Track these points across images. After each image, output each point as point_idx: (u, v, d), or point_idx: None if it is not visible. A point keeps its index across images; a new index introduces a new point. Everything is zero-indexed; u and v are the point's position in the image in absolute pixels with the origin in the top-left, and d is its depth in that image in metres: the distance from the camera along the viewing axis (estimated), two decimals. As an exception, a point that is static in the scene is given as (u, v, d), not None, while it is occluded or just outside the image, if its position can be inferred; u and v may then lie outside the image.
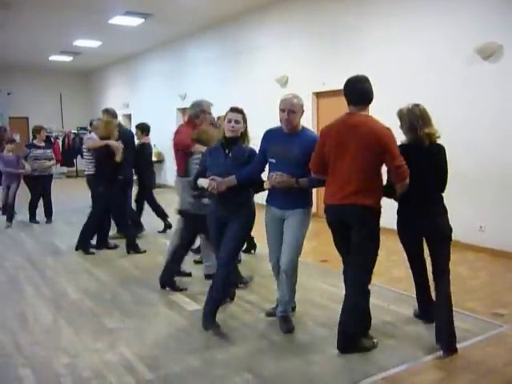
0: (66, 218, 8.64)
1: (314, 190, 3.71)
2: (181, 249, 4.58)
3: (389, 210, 3.43)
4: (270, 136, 3.63)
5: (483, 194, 5.90)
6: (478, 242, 5.96)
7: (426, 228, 3.42)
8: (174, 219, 5.45)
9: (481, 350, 3.33)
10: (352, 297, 3.28)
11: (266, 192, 3.67)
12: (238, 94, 9.71)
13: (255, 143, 3.68)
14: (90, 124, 7.69)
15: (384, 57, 6.99)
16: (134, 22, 10.30)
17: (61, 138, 16.05)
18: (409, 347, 3.37)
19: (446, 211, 3.43)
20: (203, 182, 3.60)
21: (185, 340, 3.51)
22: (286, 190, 3.44)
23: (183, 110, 12.44)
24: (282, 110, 3.47)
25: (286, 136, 3.52)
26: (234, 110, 3.61)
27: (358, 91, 3.26)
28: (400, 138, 3.42)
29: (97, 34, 11.67)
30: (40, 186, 8.04)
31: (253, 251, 5.83)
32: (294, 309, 3.93)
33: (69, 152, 15.88)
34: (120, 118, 9.05)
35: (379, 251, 3.27)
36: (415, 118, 3.34)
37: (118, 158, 5.85)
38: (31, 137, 8.27)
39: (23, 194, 8.27)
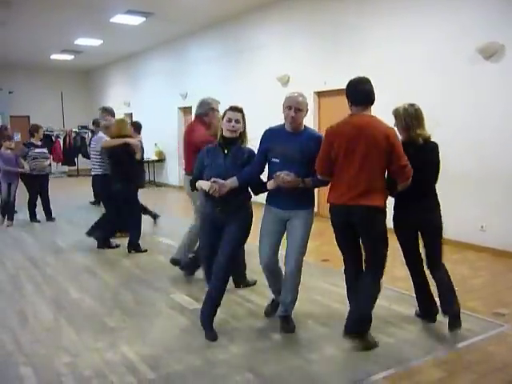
0: (67, 216, 8.64)
1: (316, 190, 3.70)
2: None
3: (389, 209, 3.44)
4: (271, 135, 3.54)
5: (486, 194, 5.89)
6: (480, 242, 5.95)
7: (422, 222, 3.55)
8: (178, 219, 5.43)
9: (482, 349, 3.34)
10: (370, 290, 3.35)
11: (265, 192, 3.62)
12: (239, 93, 9.71)
13: (254, 144, 3.60)
14: (93, 123, 7.69)
15: (385, 56, 6.98)
16: (136, 20, 10.30)
17: (62, 137, 16.06)
18: (410, 347, 3.37)
19: (439, 205, 3.58)
20: (204, 185, 3.45)
21: (186, 339, 3.51)
22: (290, 190, 3.37)
23: (184, 109, 12.45)
24: (287, 108, 3.40)
25: (290, 135, 3.46)
26: (233, 108, 3.49)
27: (362, 92, 3.30)
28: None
29: (98, 32, 11.67)
30: (38, 185, 8.06)
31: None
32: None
33: (70, 151, 15.90)
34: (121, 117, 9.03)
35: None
36: (410, 118, 3.47)
37: (139, 155, 5.92)
38: (29, 135, 8.25)
39: (21, 194, 8.26)
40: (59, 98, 17.23)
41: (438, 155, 3.51)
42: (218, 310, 3.60)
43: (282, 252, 3.57)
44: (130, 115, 15.07)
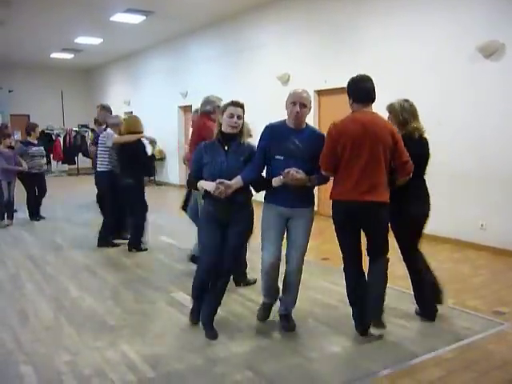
0: (67, 215, 8.65)
1: (316, 188, 3.69)
2: None
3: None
4: (273, 132, 3.44)
5: (487, 193, 5.88)
6: (480, 241, 5.95)
7: (417, 212, 3.66)
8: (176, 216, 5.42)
9: (482, 347, 3.34)
10: (383, 278, 3.46)
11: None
12: (239, 92, 9.64)
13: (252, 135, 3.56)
14: (95, 122, 7.66)
15: (384, 55, 6.97)
16: (136, 19, 10.30)
17: (62, 136, 16.05)
18: (410, 345, 3.37)
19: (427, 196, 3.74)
20: (207, 186, 3.33)
21: (186, 338, 3.51)
22: (295, 187, 3.33)
23: (184, 108, 12.45)
24: (292, 104, 3.34)
25: (292, 132, 3.40)
26: (235, 104, 3.38)
27: (364, 90, 3.35)
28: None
29: (98, 31, 11.67)
30: (36, 184, 8.07)
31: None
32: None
33: (70, 150, 15.90)
34: (122, 116, 9.02)
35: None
36: (406, 113, 3.60)
37: (151, 151, 6.00)
38: (26, 134, 8.27)
39: (18, 192, 8.24)
40: (59, 96, 17.22)
41: (429, 149, 3.67)
42: (219, 309, 3.60)
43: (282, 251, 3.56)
44: (131, 114, 15.05)
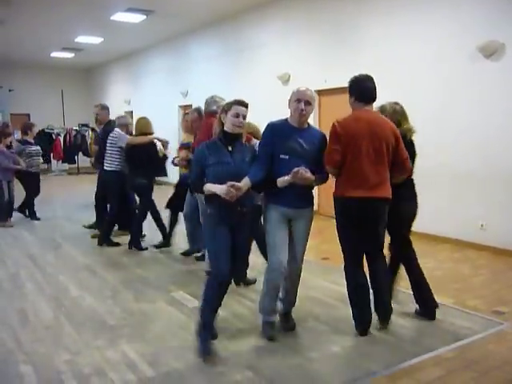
0: (67, 214, 8.65)
1: (315, 189, 3.68)
2: None
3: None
4: (276, 130, 3.36)
5: (490, 193, 5.87)
6: (480, 241, 5.95)
7: (409, 212, 3.76)
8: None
9: (482, 347, 3.34)
10: (387, 276, 3.64)
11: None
12: (240, 92, 9.64)
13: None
14: (96, 121, 7.63)
15: (385, 54, 6.96)
16: (136, 18, 10.29)
17: (62, 135, 16.05)
18: (410, 345, 3.37)
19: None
20: (217, 189, 3.10)
21: (186, 337, 3.51)
22: (300, 187, 3.29)
23: (185, 107, 12.43)
24: (297, 101, 3.28)
25: (295, 130, 3.34)
26: (241, 103, 3.22)
27: (367, 89, 3.41)
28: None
29: (98, 30, 11.66)
30: (34, 183, 8.08)
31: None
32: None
33: (70, 149, 15.90)
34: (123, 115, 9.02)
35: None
36: (397, 115, 3.68)
37: (162, 152, 6.16)
38: (22, 133, 8.28)
39: (16, 191, 8.24)
40: (59, 95, 17.21)
41: (416, 150, 3.78)
42: (219, 309, 3.59)
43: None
44: (131, 113, 15.05)
